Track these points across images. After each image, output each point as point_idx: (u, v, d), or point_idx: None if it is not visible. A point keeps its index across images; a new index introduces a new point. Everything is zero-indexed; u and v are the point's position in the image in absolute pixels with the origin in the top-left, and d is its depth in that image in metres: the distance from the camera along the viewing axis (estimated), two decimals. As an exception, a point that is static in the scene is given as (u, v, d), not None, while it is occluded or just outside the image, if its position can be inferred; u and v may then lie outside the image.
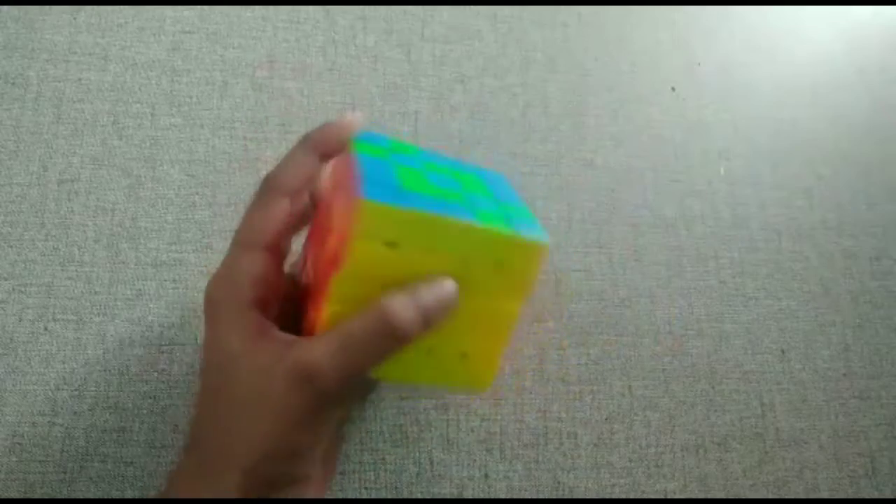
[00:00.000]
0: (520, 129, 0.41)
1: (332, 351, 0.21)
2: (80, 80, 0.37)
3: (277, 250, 0.24)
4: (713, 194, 0.42)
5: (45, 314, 0.32)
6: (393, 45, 0.41)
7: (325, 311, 0.22)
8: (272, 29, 0.40)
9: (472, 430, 0.34)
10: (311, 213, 0.27)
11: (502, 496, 0.33)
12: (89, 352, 0.32)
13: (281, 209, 0.23)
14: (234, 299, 0.22)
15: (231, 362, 0.22)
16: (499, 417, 0.34)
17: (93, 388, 0.31)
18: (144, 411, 0.31)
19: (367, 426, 0.33)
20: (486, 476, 0.33)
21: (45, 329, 0.32)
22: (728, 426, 0.37)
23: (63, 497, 0.30)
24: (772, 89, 0.45)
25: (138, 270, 0.34)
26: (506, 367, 0.35)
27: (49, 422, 0.31)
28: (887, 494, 0.37)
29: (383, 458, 0.33)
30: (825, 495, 0.36)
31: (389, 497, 0.32)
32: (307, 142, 0.24)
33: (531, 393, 0.35)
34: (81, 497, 0.30)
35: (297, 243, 0.28)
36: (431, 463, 0.33)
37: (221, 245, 0.35)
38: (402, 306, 0.21)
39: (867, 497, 0.37)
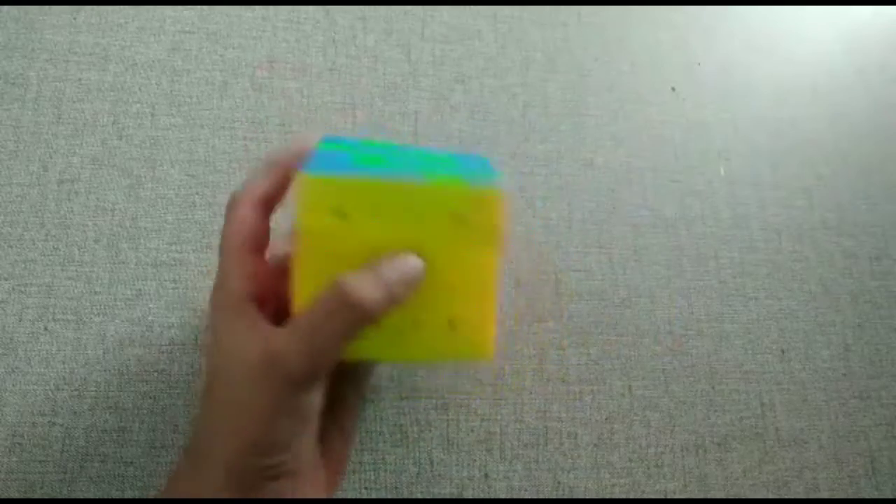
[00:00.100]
0: (520, 129, 0.41)
1: (296, 336, 0.21)
2: (80, 80, 0.37)
3: (257, 248, 0.24)
4: (713, 194, 0.42)
5: (45, 314, 0.32)
6: (393, 45, 0.41)
7: (296, 294, 0.22)
8: (272, 29, 0.40)
9: (472, 430, 0.34)
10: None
11: (502, 496, 0.33)
12: (89, 352, 0.32)
13: (243, 215, 0.23)
14: (226, 300, 0.23)
15: (223, 360, 0.22)
16: (499, 417, 0.34)
17: (93, 388, 0.31)
18: (144, 411, 0.31)
19: (367, 426, 0.33)
20: (486, 476, 0.33)
21: (45, 329, 0.32)
22: (728, 426, 0.37)
23: (63, 497, 0.30)
24: (772, 89, 0.45)
25: (138, 270, 0.34)
26: (506, 367, 0.35)
27: (49, 422, 0.31)
28: (887, 494, 0.37)
29: (383, 458, 0.33)
30: (825, 495, 0.36)
31: (389, 497, 0.32)
32: (265, 157, 0.25)
33: (531, 393, 0.35)
34: (81, 497, 0.30)
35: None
36: (431, 463, 0.33)
37: (221, 245, 0.35)
38: (360, 283, 0.21)
39: (867, 497, 0.37)
